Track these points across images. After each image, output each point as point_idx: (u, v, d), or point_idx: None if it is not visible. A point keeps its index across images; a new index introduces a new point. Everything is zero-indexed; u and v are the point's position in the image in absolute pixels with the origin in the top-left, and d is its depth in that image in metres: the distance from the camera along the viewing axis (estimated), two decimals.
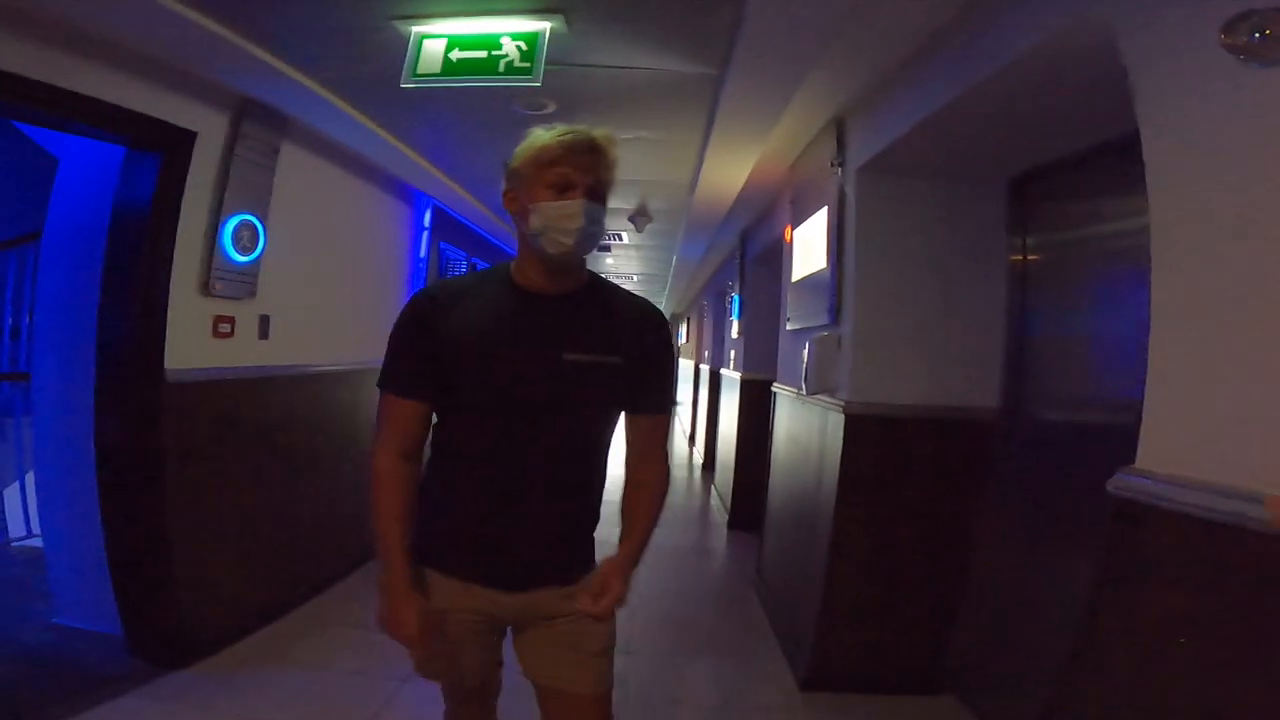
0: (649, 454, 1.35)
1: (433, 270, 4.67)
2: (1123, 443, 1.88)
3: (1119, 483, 1.19)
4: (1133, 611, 1.16)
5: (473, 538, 1.26)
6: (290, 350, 2.99)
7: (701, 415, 7.89)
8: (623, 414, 1.33)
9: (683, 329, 12.69)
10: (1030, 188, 2.36)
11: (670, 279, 7.67)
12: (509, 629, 1.37)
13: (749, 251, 4.97)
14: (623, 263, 6.88)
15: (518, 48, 1.86)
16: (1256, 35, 0.94)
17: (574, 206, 1.15)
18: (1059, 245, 2.30)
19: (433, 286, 1.31)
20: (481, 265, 5.78)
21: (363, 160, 3.43)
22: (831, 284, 2.60)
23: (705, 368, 7.79)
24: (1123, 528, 1.18)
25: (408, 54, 1.93)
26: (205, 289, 2.49)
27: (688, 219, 4.27)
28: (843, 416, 2.42)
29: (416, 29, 1.91)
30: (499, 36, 1.89)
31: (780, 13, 1.70)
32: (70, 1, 1.80)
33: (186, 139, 2.34)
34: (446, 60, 1.90)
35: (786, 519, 3.20)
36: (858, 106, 2.49)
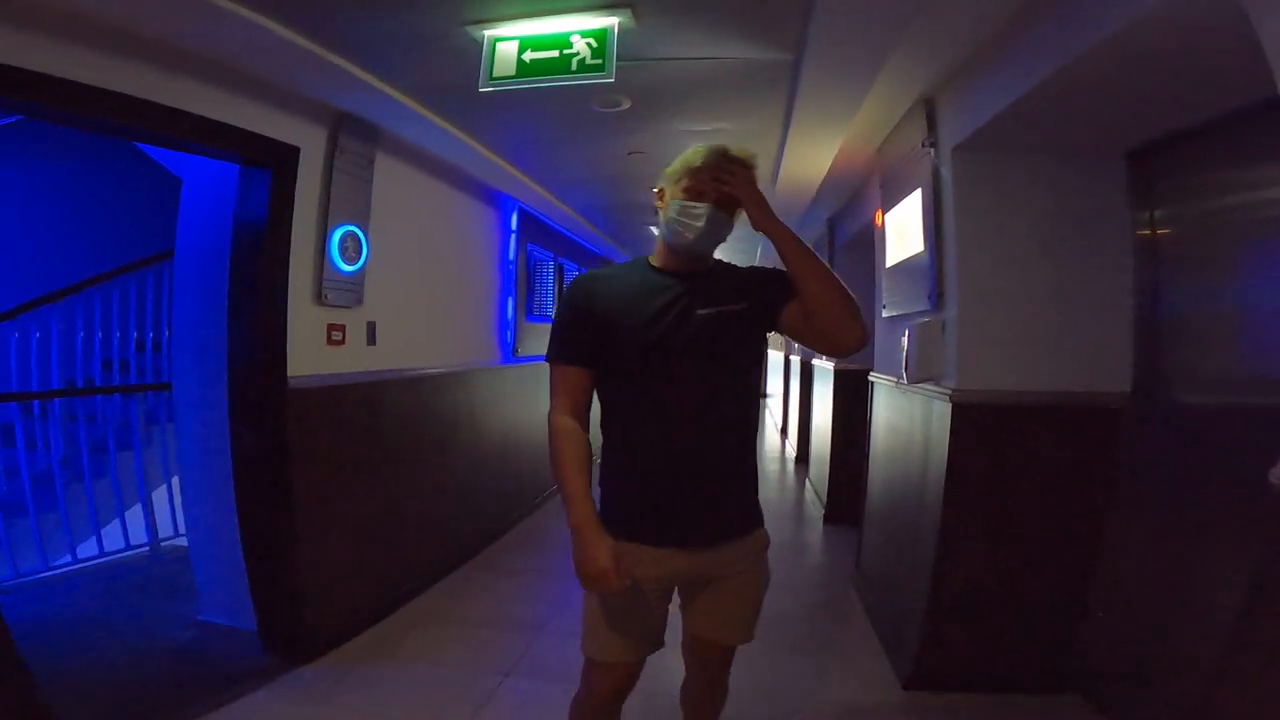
0: None
1: (521, 272, 4.79)
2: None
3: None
4: None
5: (653, 501, 1.44)
6: (395, 355, 3.15)
7: (794, 408, 7.70)
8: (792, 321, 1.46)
9: None
10: (1155, 159, 2.17)
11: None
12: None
13: (838, 238, 4.81)
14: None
15: (588, 45, 1.88)
16: None
17: (700, 210, 1.42)
18: (1196, 217, 2.10)
19: (588, 274, 1.57)
20: (569, 265, 5.89)
21: (450, 166, 3.56)
22: (931, 268, 2.47)
23: (796, 359, 7.61)
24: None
25: (483, 58, 1.98)
26: (318, 299, 2.66)
27: (772, 208, 4.19)
28: (949, 405, 2.30)
29: (489, 33, 1.96)
30: (569, 35, 1.91)
31: None
32: (172, 20, 1.90)
33: (292, 155, 2.50)
34: (520, 62, 1.95)
35: (887, 512, 3.08)
36: (948, 84, 2.35)
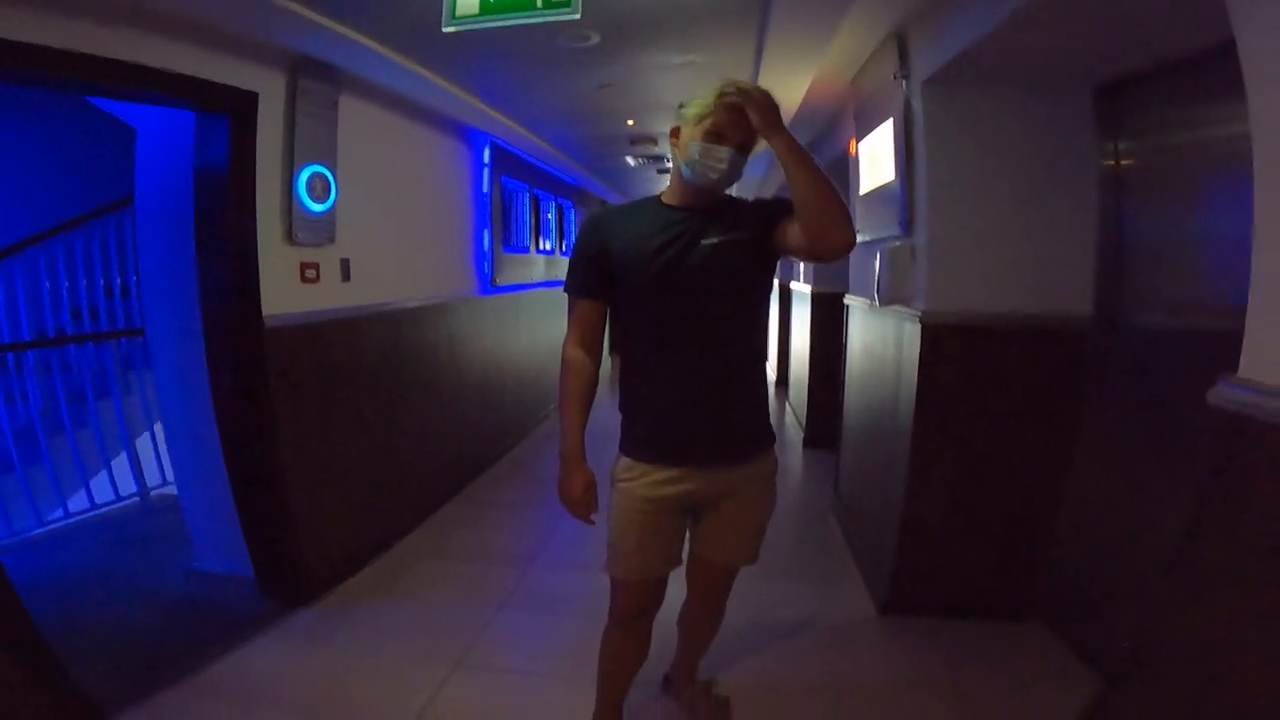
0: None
1: (496, 204, 4.73)
2: (1236, 349, 1.83)
3: (1222, 394, 1.13)
4: (1236, 537, 1.12)
5: (670, 423, 1.55)
6: (371, 290, 3.15)
7: (772, 331, 7.83)
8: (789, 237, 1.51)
9: None
10: (1122, 94, 2.20)
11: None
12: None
13: None
14: None
15: None
16: None
17: (722, 153, 1.46)
18: (1158, 151, 2.15)
19: (601, 211, 1.66)
20: (544, 196, 5.80)
21: (418, 105, 3.48)
22: (902, 195, 2.51)
23: (775, 281, 7.68)
24: (1226, 443, 1.14)
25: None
26: (289, 238, 2.65)
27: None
28: (919, 326, 2.38)
29: None
30: None
31: None
32: None
33: (250, 100, 2.43)
34: (483, 1, 1.88)
35: (863, 437, 3.19)
36: (919, 19, 2.32)
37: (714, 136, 1.45)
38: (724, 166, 1.46)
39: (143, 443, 3.88)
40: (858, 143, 3.13)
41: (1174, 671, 1.21)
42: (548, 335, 6.19)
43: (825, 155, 4.21)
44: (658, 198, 1.61)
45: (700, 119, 1.47)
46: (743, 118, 1.43)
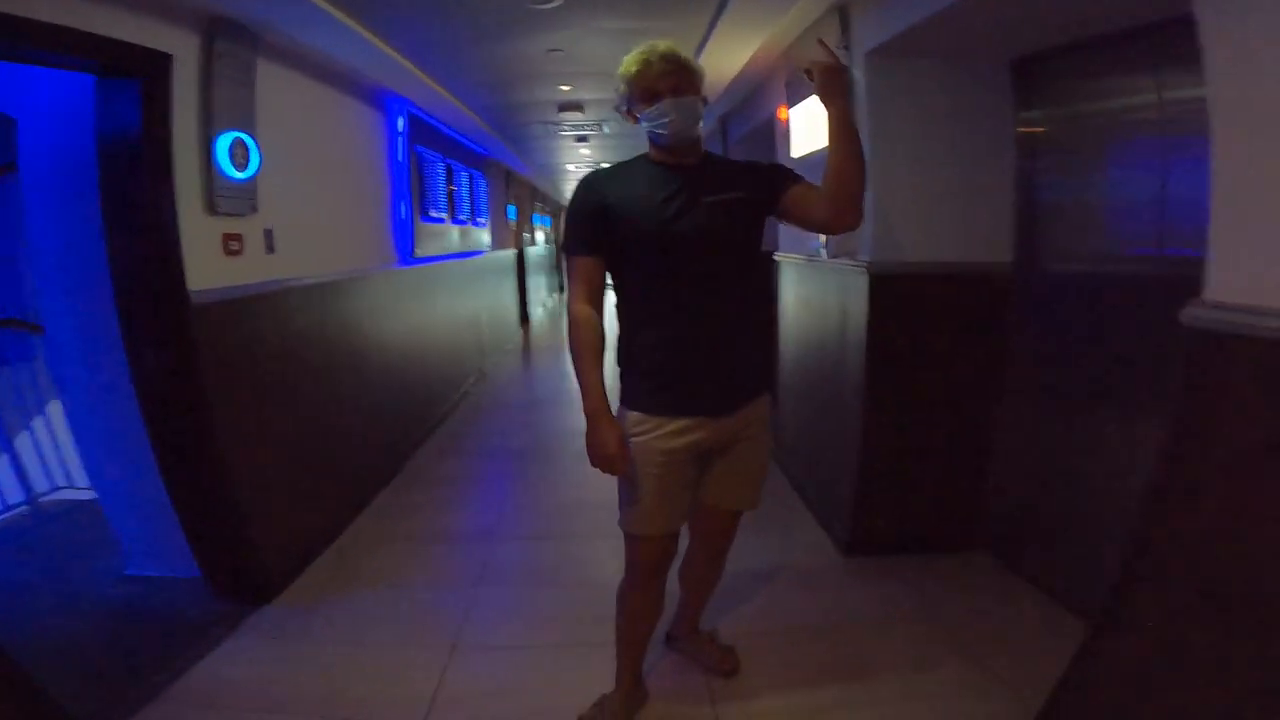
0: (816, 188, 1.59)
1: (413, 174, 4.53)
2: (1131, 291, 2.13)
3: (1192, 315, 1.30)
4: (1216, 444, 1.29)
5: (680, 375, 1.58)
6: (296, 263, 2.96)
7: None
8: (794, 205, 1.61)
9: None
10: (1034, 68, 2.45)
11: None
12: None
13: (731, 134, 4.92)
14: (598, 152, 6.72)
15: None
16: None
17: (664, 107, 1.52)
18: (1065, 119, 2.42)
19: (595, 173, 1.68)
20: (457, 167, 5.59)
21: (337, 70, 3.29)
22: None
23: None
24: (1198, 357, 1.31)
25: None
26: (210, 208, 2.43)
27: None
28: (866, 277, 2.55)
29: None
30: None
31: None
32: None
33: (164, 62, 2.20)
34: None
35: (805, 385, 3.35)
36: None
37: (650, 97, 1.53)
38: (671, 116, 1.51)
39: (22, 443, 3.45)
40: (789, 109, 3.26)
41: (1174, 575, 1.39)
42: (466, 306, 6.06)
43: (750, 121, 4.34)
44: (644, 157, 1.65)
45: (632, 92, 1.56)
46: (664, 66, 1.52)
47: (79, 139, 2.24)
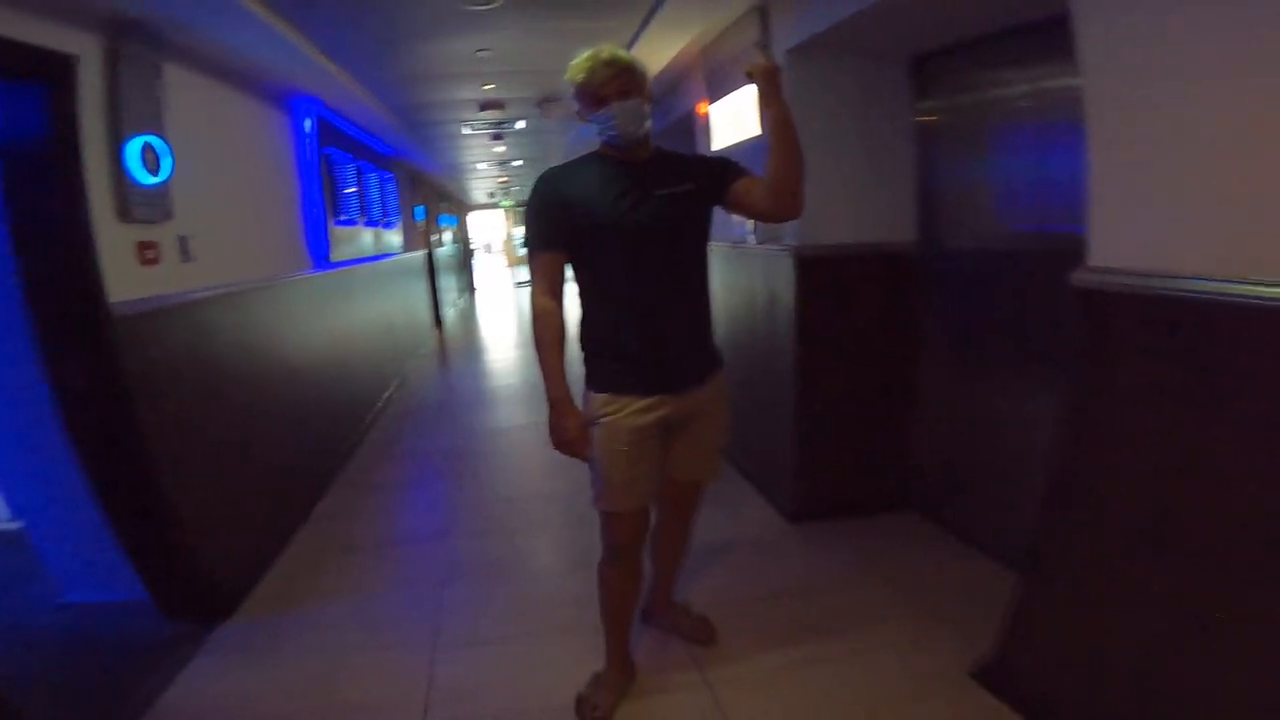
0: (760, 180, 1.73)
1: (325, 177, 4.36)
2: (1017, 263, 2.40)
3: (1082, 277, 1.53)
4: (1106, 386, 1.54)
5: (642, 356, 1.68)
6: (214, 271, 2.82)
7: None
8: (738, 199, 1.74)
9: None
10: (930, 64, 2.71)
11: (560, 161, 7.60)
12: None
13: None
14: (514, 149, 6.67)
15: None
16: None
17: (611, 111, 1.61)
18: (954, 110, 2.69)
19: (550, 171, 1.73)
20: (365, 168, 5.42)
21: (242, 72, 3.16)
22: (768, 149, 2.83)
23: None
24: (1091, 312, 1.55)
25: None
26: (124, 215, 2.29)
27: None
28: (793, 259, 2.74)
29: None
30: None
31: None
32: None
33: (69, 64, 2.07)
34: None
35: (737, 366, 3.47)
36: None
37: (598, 102, 1.61)
38: (617, 120, 1.61)
39: None
40: (709, 104, 3.42)
41: (1086, 505, 1.63)
42: (382, 310, 5.90)
43: (669, 116, 4.48)
44: (597, 155, 1.73)
45: (583, 90, 1.63)
46: (608, 73, 1.59)
47: None
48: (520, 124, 5.03)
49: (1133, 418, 1.52)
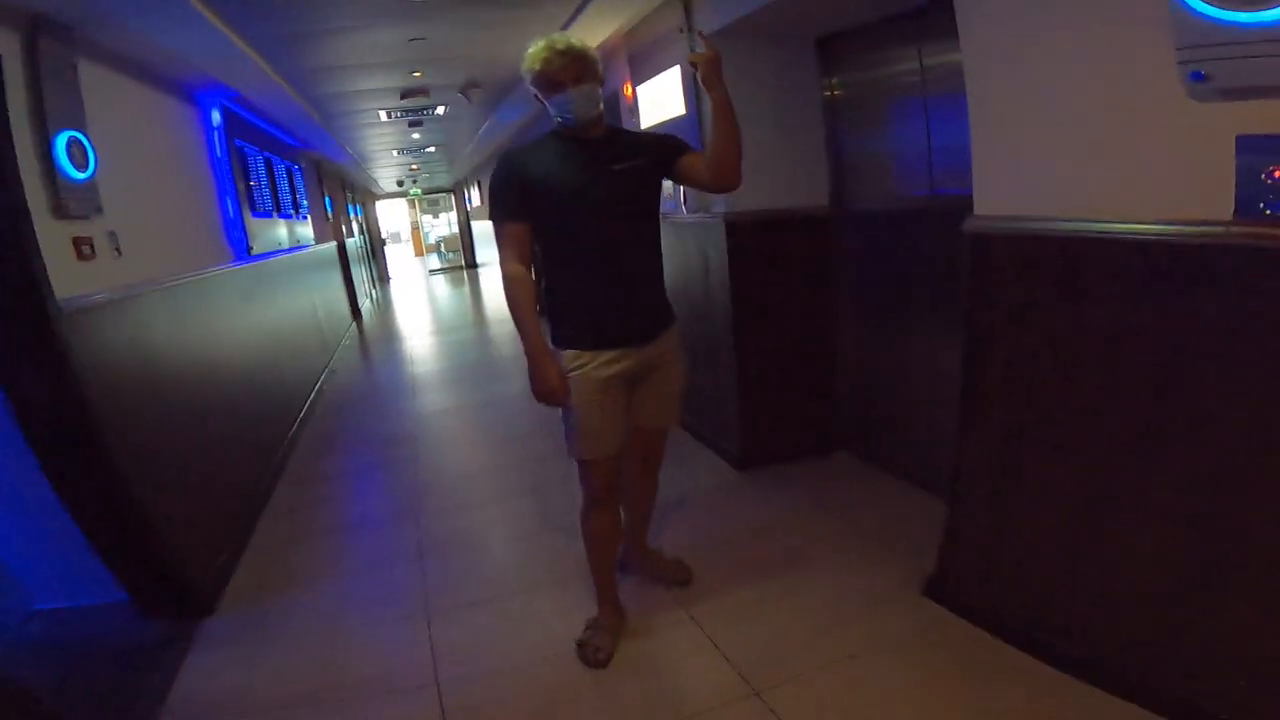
0: (699, 154, 1.93)
1: (237, 169, 4.23)
2: (911, 222, 2.73)
3: (972, 224, 1.86)
4: (994, 308, 1.87)
5: (606, 314, 1.84)
6: (144, 266, 2.77)
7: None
8: (683, 172, 1.91)
9: (472, 191, 12.57)
10: (833, 44, 3.00)
11: (473, 146, 7.51)
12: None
13: None
14: (429, 135, 6.58)
15: None
16: None
17: (569, 96, 1.77)
18: (854, 85, 3.01)
19: (513, 149, 1.92)
20: (275, 159, 5.26)
21: (149, 65, 3.10)
22: (693, 126, 3.10)
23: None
24: (979, 252, 1.88)
25: None
26: (58, 211, 2.24)
27: (521, 89, 4.37)
28: (722, 226, 2.98)
29: None
30: None
31: None
32: None
33: None
34: None
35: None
36: None
37: (556, 87, 1.75)
38: (575, 104, 1.76)
39: None
40: (634, 86, 3.60)
41: (993, 418, 1.95)
42: (306, 302, 5.78)
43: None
44: (554, 134, 1.88)
45: (541, 75, 1.76)
46: (564, 60, 1.73)
47: None
48: (440, 109, 5.01)
49: (1017, 337, 1.85)
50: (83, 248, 2.36)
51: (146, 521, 2.31)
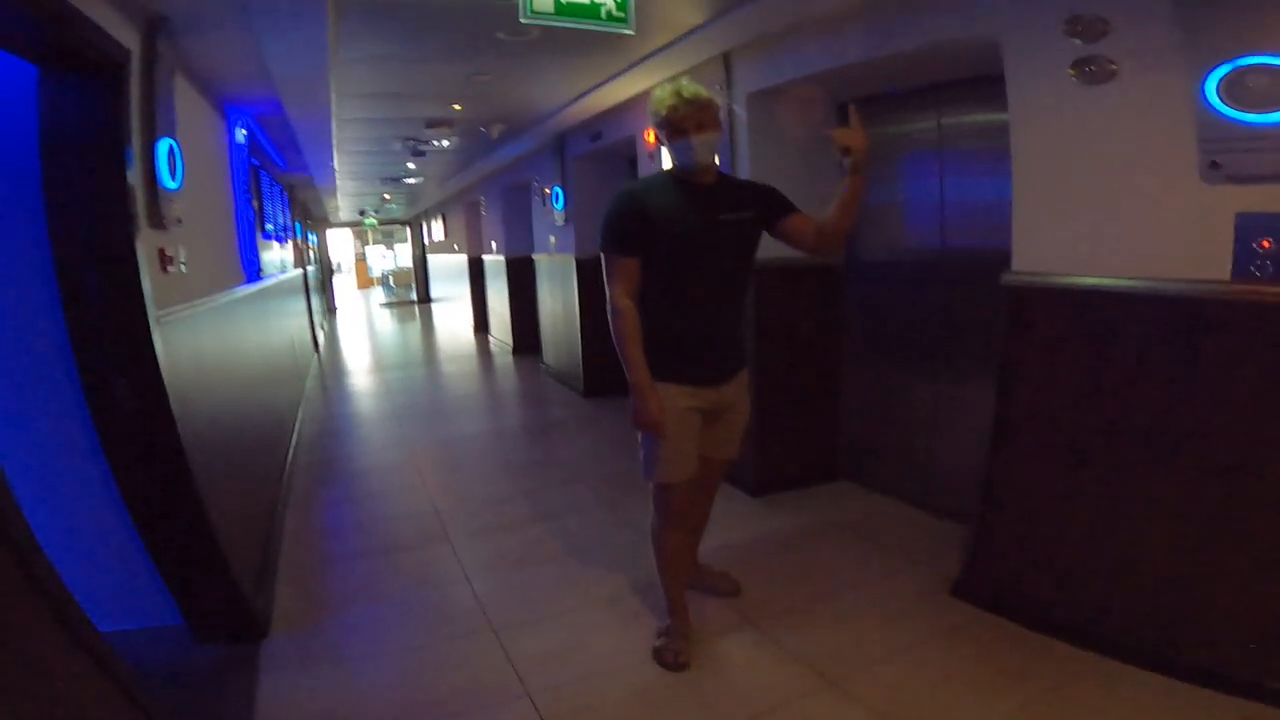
0: (809, 221, 2.05)
1: (254, 188, 4.24)
2: (922, 273, 3.09)
3: (1010, 278, 2.21)
4: (1030, 341, 2.20)
5: (693, 353, 1.96)
6: (204, 282, 2.80)
7: (502, 296, 8.36)
8: (784, 231, 2.06)
9: (434, 225, 12.59)
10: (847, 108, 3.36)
11: (454, 180, 7.68)
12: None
13: (570, 151, 5.40)
14: (424, 166, 6.65)
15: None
16: (1089, 69, 1.89)
17: (689, 141, 1.90)
18: (874, 140, 3.30)
19: (632, 187, 2.01)
20: (271, 182, 5.24)
21: (211, 75, 3.11)
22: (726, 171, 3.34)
23: (495, 257, 8.42)
24: (1016, 301, 2.22)
25: None
26: (154, 221, 2.25)
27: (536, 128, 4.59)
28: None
29: None
30: None
31: None
32: None
33: (123, 57, 2.03)
34: (557, 2, 2.15)
35: None
36: (746, 49, 3.20)
37: (680, 133, 1.88)
38: (694, 152, 1.88)
39: None
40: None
41: (1025, 437, 2.26)
42: (285, 327, 5.69)
43: (602, 140, 4.84)
44: (670, 175, 1.99)
45: (675, 117, 1.87)
46: (694, 108, 1.86)
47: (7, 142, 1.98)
48: (445, 143, 5.15)
49: (1047, 372, 2.20)
50: (167, 261, 2.37)
51: (215, 542, 2.28)
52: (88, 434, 2.11)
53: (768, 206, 2.06)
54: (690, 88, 1.91)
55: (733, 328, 2.06)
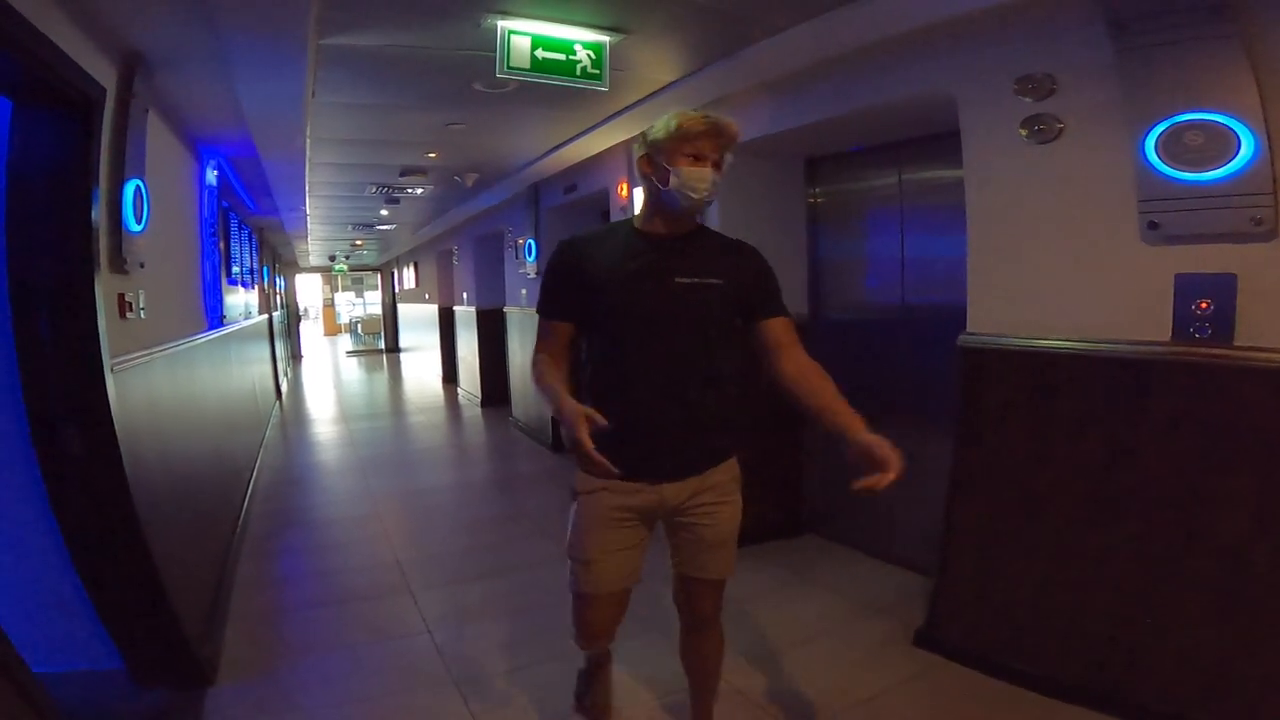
0: (791, 346, 1.63)
1: (221, 230, 4.20)
2: (883, 330, 3.17)
3: (965, 340, 2.28)
4: (983, 404, 2.27)
5: (633, 437, 1.50)
6: (161, 328, 2.72)
7: (472, 347, 8.28)
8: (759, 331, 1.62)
9: (405, 273, 12.55)
10: (819, 163, 3.54)
11: (427, 229, 7.70)
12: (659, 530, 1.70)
13: (544, 202, 5.47)
14: (396, 213, 6.68)
15: (589, 55, 2.22)
16: (1038, 127, 2.00)
17: (706, 173, 1.50)
18: (831, 197, 3.52)
19: (575, 237, 1.64)
20: (239, 224, 5.20)
21: (184, 114, 3.07)
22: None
23: (466, 308, 8.34)
24: (971, 362, 2.28)
25: (498, 47, 2.14)
26: (114, 265, 2.20)
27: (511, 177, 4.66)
28: None
29: (502, 24, 2.10)
30: (572, 43, 2.20)
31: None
32: None
33: (99, 96, 2.03)
34: (533, 58, 2.17)
35: None
36: (716, 106, 3.24)
37: (693, 159, 1.48)
38: (707, 186, 1.50)
39: None
40: (631, 186, 4.00)
41: (980, 490, 2.30)
42: (246, 375, 5.55)
43: (576, 192, 4.93)
44: (630, 223, 1.62)
45: (675, 144, 1.48)
46: (718, 139, 1.50)
47: None
48: (419, 190, 5.20)
49: (1000, 430, 2.27)
50: (125, 306, 2.31)
51: (160, 586, 2.17)
52: (33, 476, 2.02)
53: (746, 291, 1.61)
54: (715, 116, 1.52)
55: (693, 412, 1.56)
